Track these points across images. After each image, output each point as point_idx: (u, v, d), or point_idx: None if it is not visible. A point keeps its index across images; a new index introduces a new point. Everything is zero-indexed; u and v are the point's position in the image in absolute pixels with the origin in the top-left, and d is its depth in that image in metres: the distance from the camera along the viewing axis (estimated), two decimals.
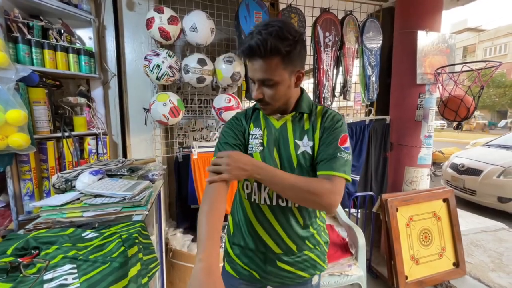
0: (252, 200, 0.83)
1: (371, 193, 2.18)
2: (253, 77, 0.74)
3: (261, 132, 0.82)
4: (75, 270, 0.59)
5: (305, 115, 0.82)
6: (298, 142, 0.79)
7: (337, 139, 0.75)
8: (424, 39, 1.96)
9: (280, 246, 0.82)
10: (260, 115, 0.85)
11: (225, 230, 0.94)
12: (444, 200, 2.03)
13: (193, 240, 1.75)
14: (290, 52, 0.69)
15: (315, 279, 0.90)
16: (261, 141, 0.81)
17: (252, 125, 0.84)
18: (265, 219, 0.81)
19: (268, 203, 0.81)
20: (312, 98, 2.06)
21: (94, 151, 1.59)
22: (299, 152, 0.79)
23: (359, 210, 2.20)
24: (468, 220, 3.04)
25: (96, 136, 1.60)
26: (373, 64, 2.10)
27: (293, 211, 0.81)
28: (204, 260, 0.51)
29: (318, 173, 0.74)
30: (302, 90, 0.85)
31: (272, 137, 0.81)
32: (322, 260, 0.88)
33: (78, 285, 0.55)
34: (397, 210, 1.88)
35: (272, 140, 0.80)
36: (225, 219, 0.78)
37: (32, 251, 0.67)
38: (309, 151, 0.79)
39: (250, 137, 0.82)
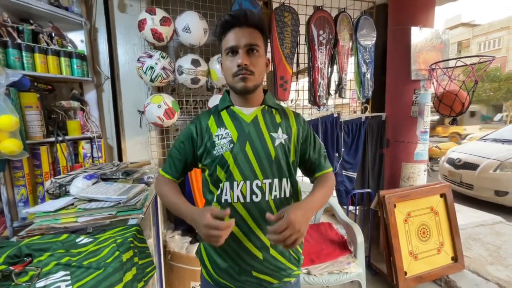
0: (223, 201, 0.79)
1: (368, 190, 2.18)
2: (238, 44, 0.74)
3: (227, 130, 0.79)
4: (68, 277, 0.58)
5: (274, 110, 0.85)
6: (274, 134, 0.80)
7: (317, 141, 0.89)
8: (418, 35, 1.97)
9: (254, 242, 0.79)
10: (222, 115, 0.83)
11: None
12: (442, 195, 2.04)
13: (191, 242, 1.74)
14: (267, 36, 0.82)
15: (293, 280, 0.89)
16: (230, 139, 0.78)
17: (215, 127, 0.81)
18: (237, 216, 0.78)
19: (242, 200, 0.78)
20: (307, 97, 2.09)
21: (88, 155, 1.58)
22: (276, 144, 0.79)
23: (357, 208, 2.20)
24: (465, 215, 3.06)
25: (90, 140, 1.58)
26: (367, 61, 2.10)
27: (269, 203, 0.79)
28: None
29: (318, 174, 0.89)
30: (265, 90, 0.90)
31: (244, 132, 0.79)
32: (296, 266, 0.86)
33: None
34: (395, 206, 1.88)
35: (243, 135, 0.79)
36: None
37: (25, 258, 0.66)
38: (284, 143, 0.81)
39: (216, 138, 0.79)
